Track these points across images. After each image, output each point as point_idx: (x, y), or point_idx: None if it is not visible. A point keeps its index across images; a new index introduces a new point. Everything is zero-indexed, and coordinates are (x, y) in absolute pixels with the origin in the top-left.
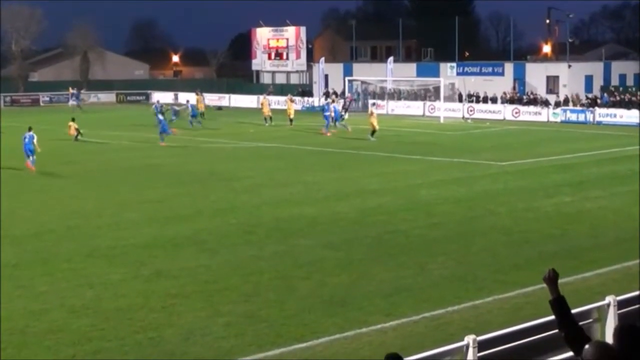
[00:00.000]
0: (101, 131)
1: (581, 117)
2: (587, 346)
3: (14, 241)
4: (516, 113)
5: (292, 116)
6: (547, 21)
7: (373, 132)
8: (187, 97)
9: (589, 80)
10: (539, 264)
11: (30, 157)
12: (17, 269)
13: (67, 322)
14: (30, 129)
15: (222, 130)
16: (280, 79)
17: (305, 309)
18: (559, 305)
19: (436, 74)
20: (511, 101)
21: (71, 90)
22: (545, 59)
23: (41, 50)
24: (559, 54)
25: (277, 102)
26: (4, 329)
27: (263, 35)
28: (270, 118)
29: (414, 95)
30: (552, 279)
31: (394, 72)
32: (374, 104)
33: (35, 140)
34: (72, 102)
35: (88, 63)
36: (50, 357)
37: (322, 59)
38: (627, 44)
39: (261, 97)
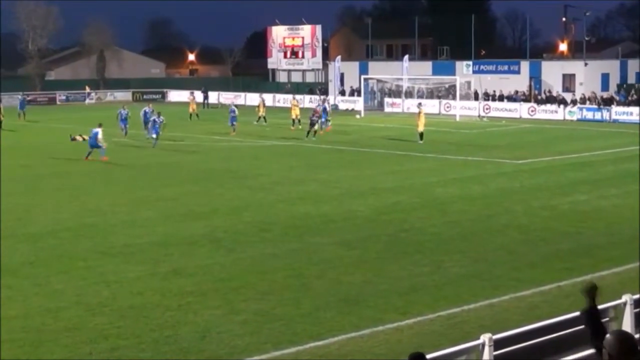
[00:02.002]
0: (116, 129)
1: (597, 115)
2: (608, 335)
3: (30, 239)
4: (532, 111)
5: (296, 117)
6: (564, 19)
7: (420, 134)
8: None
9: (605, 78)
10: (555, 262)
11: (96, 150)
12: (33, 266)
13: (83, 320)
14: (100, 125)
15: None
16: (296, 78)
17: (321, 307)
18: (593, 316)
19: (452, 72)
20: (527, 99)
21: (20, 97)
22: (562, 57)
23: (58, 49)
24: (575, 52)
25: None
26: (20, 326)
27: (279, 33)
28: (260, 118)
29: (430, 94)
30: (589, 291)
31: (410, 71)
32: (420, 104)
33: (99, 136)
34: (88, 101)
35: (104, 61)
36: (66, 355)
37: (338, 57)
38: None
39: (258, 97)
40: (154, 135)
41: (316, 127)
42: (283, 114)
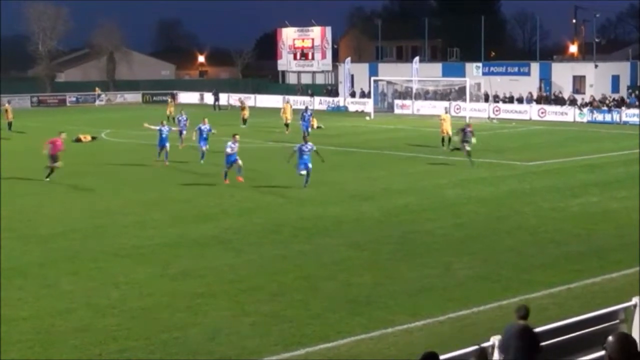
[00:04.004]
0: (127, 131)
1: (607, 117)
2: (609, 338)
3: (40, 240)
4: (542, 113)
5: (288, 121)
6: (574, 20)
7: (448, 139)
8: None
9: (615, 80)
10: (565, 264)
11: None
12: (43, 268)
13: (93, 322)
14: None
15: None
16: (306, 79)
17: (330, 309)
18: None
19: (462, 74)
20: (537, 101)
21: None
22: (572, 58)
23: (68, 50)
24: (586, 53)
25: (302, 102)
26: (30, 327)
27: (289, 35)
28: (244, 120)
29: (439, 95)
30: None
31: (420, 72)
32: (446, 108)
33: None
34: (98, 103)
35: (114, 63)
36: (76, 356)
37: (348, 59)
38: None
39: (241, 98)
40: (304, 172)
41: (467, 146)
42: (293, 116)
